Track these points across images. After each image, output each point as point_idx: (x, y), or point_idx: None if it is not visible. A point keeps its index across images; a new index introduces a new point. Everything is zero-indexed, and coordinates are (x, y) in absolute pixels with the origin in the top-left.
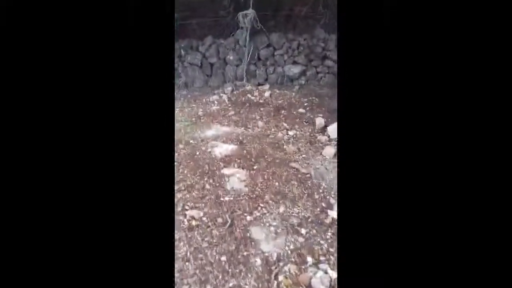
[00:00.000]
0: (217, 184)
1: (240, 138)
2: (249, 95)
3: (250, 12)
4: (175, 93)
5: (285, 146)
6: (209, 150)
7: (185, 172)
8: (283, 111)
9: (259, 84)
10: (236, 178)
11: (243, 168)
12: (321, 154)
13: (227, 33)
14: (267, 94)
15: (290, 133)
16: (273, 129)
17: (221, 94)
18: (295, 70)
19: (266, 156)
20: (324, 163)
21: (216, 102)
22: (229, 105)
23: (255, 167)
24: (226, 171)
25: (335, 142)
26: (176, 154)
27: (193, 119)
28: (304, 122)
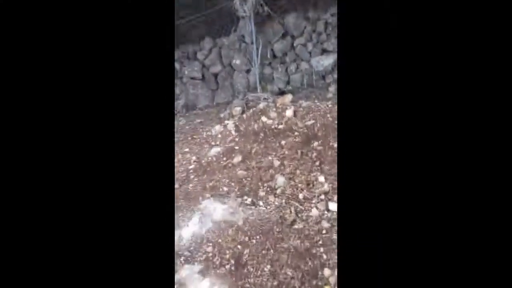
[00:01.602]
0: None
1: (240, 246)
2: (263, 118)
3: None
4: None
5: None
6: None
7: None
8: (315, 143)
9: (279, 93)
10: None
11: None
12: None
13: (228, 28)
14: (289, 113)
15: (332, 207)
16: (301, 194)
17: (226, 122)
18: (326, 61)
19: None
20: None
21: (219, 136)
22: (236, 140)
23: None
24: None
25: None
26: None
27: (179, 184)
28: None
